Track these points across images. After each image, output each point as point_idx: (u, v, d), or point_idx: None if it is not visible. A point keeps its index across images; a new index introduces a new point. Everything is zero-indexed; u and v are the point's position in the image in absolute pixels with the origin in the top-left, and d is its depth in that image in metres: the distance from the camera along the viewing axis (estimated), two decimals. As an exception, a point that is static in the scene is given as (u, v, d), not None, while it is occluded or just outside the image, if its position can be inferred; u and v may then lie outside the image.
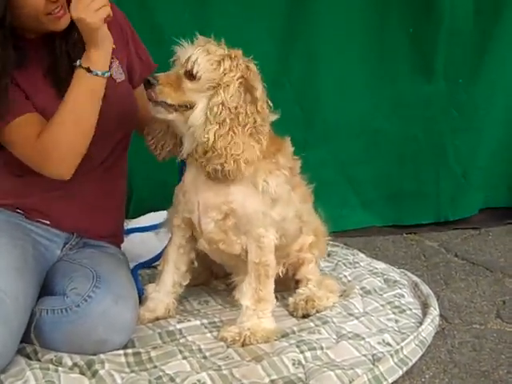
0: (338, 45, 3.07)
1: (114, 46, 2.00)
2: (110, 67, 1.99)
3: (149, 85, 1.85)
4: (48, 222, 2.02)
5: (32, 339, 1.87)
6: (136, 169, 2.94)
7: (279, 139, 2.04)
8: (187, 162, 2.00)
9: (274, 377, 1.76)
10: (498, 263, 2.78)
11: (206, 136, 1.83)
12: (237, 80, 1.85)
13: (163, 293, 2.09)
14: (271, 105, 1.96)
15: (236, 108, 1.84)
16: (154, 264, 2.41)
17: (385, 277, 2.49)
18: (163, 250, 2.19)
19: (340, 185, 3.20)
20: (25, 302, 1.79)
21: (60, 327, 1.82)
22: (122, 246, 2.30)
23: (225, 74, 1.85)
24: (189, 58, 1.85)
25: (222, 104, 1.83)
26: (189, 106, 1.87)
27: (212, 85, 1.86)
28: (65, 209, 2.01)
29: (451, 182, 3.26)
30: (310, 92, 3.13)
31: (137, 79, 2.17)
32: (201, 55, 1.85)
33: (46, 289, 1.95)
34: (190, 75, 1.86)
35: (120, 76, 2.07)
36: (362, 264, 2.63)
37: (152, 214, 2.80)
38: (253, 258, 1.99)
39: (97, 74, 1.84)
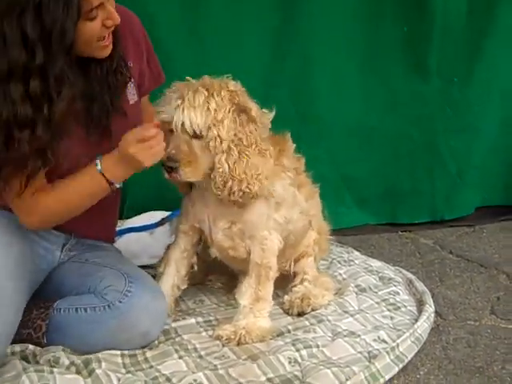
0: (332, 44, 3.08)
1: (131, 64, 2.01)
2: (126, 88, 2.00)
3: (171, 170, 1.86)
4: None
5: (40, 339, 1.88)
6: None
7: (280, 137, 2.07)
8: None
9: (271, 375, 1.77)
10: (493, 260, 2.79)
11: (219, 166, 1.86)
12: (229, 112, 1.87)
13: (163, 293, 2.09)
14: (265, 111, 1.98)
15: (235, 135, 1.87)
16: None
17: (380, 274, 2.50)
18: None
19: (335, 183, 3.20)
20: (19, 301, 1.79)
21: (103, 324, 1.84)
22: (117, 245, 2.31)
23: (217, 113, 1.86)
24: (182, 124, 1.85)
25: (219, 137, 1.85)
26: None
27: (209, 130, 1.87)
28: None
29: (446, 180, 3.27)
30: (304, 91, 3.13)
31: (144, 90, 2.16)
32: (191, 114, 1.84)
33: (55, 290, 1.97)
34: (195, 135, 1.87)
35: (133, 97, 2.06)
36: (356, 262, 2.63)
37: (146, 214, 2.80)
38: (255, 259, 2.02)
39: (115, 187, 1.87)
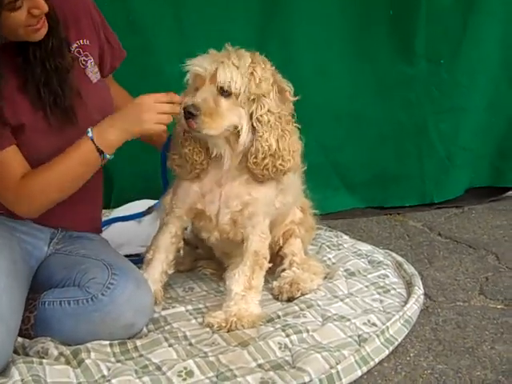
0: (317, 28, 3.06)
1: (87, 42, 2.00)
2: (85, 66, 1.99)
3: (191, 115, 1.84)
4: (31, 220, 2.00)
5: (29, 331, 1.87)
6: (116, 159, 2.91)
7: None
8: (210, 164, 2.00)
9: (261, 361, 1.77)
10: (482, 240, 2.80)
11: (266, 144, 1.89)
12: (272, 86, 1.91)
13: (151, 281, 2.08)
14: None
15: (279, 112, 1.91)
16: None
17: (369, 258, 2.51)
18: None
19: (323, 168, 3.20)
20: (18, 300, 1.78)
21: (86, 317, 1.83)
22: (105, 234, 2.29)
23: (261, 83, 1.88)
24: (220, 76, 1.85)
25: (269, 111, 1.88)
26: (231, 129, 1.90)
27: (251, 97, 1.88)
28: (49, 210, 1.97)
29: (435, 163, 3.27)
30: (289, 76, 3.06)
31: (107, 68, 2.14)
32: (233, 72, 1.85)
33: (42, 284, 1.96)
34: (226, 93, 1.86)
35: (96, 76, 2.04)
36: (345, 246, 2.64)
37: (133, 203, 2.79)
38: (253, 248, 2.03)
39: (105, 158, 1.86)
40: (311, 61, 3.09)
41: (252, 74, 1.88)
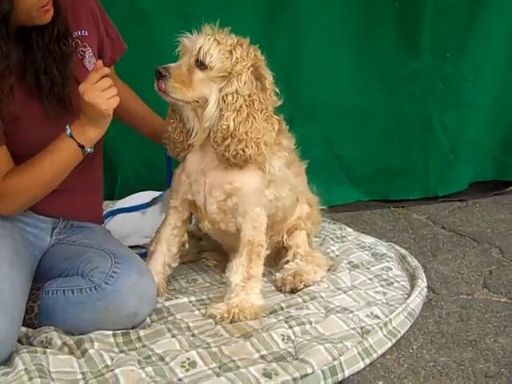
0: (322, 22, 3.05)
1: (85, 33, 2.00)
2: (83, 57, 2.00)
3: (160, 75, 1.87)
4: (32, 211, 2.01)
5: (32, 321, 1.88)
6: (121, 150, 2.93)
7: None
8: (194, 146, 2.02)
9: (264, 352, 1.77)
10: (485, 234, 2.79)
11: (225, 124, 1.88)
12: (248, 69, 1.90)
13: (153, 272, 2.08)
14: (278, 92, 2.00)
15: (250, 95, 1.89)
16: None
17: (372, 250, 2.50)
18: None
19: (327, 161, 3.20)
20: (21, 289, 1.79)
21: (90, 306, 1.83)
22: (109, 226, 2.30)
23: (237, 63, 1.89)
24: (200, 47, 1.88)
25: (237, 92, 1.88)
26: (200, 102, 1.90)
27: (224, 74, 1.90)
28: (49, 200, 1.98)
29: (440, 157, 3.26)
30: (295, 70, 3.11)
31: (107, 61, 2.13)
32: (212, 45, 1.88)
33: (45, 274, 1.96)
34: (201, 65, 1.89)
35: (93, 66, 2.03)
36: (349, 238, 2.64)
37: (138, 194, 2.79)
38: (247, 237, 2.02)
39: (86, 152, 1.86)
40: (316, 55, 3.09)
41: (231, 52, 1.89)
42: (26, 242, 1.95)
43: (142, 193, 2.79)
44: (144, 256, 2.19)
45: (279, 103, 2.01)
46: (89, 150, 1.86)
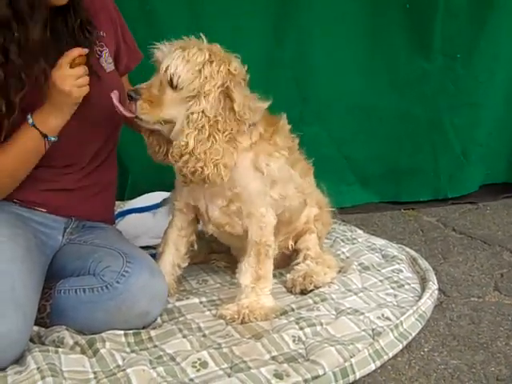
0: (333, 22, 3.05)
1: (103, 34, 2.01)
2: (100, 56, 2.01)
3: (131, 98, 1.85)
4: (45, 210, 2.02)
5: (45, 320, 1.89)
6: (131, 151, 2.93)
7: (275, 118, 2.06)
8: None
9: (275, 353, 1.77)
10: (496, 237, 2.79)
11: (184, 140, 1.83)
12: (217, 89, 1.84)
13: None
14: (259, 97, 1.97)
15: (215, 116, 1.84)
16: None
17: (383, 252, 2.50)
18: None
19: (337, 162, 3.20)
20: (34, 289, 1.79)
21: (102, 305, 1.84)
22: (120, 226, 2.30)
23: (205, 83, 1.84)
24: (167, 67, 1.84)
25: (202, 112, 1.83)
26: (172, 122, 1.88)
27: (192, 94, 1.85)
28: (62, 200, 2.00)
29: (450, 159, 3.25)
30: (305, 69, 3.11)
31: (122, 68, 2.17)
32: (180, 65, 1.83)
33: (57, 273, 1.97)
34: (172, 83, 1.85)
35: (110, 66, 2.07)
36: (360, 240, 2.63)
37: (148, 194, 2.80)
38: (253, 238, 2.02)
39: (50, 140, 1.85)
40: (327, 55, 3.09)
41: (200, 71, 1.84)
42: (39, 242, 1.96)
43: (152, 193, 2.80)
44: (154, 257, 2.19)
45: (268, 103, 1.98)
46: (52, 138, 1.85)
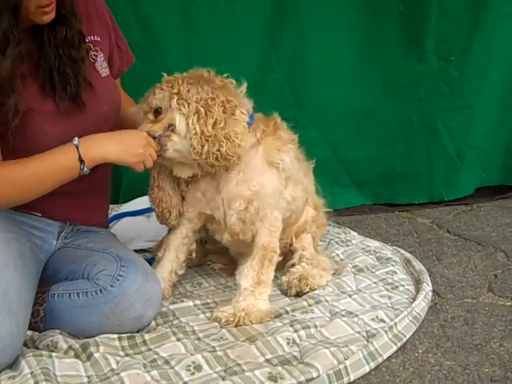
0: (327, 24, 3.06)
1: (98, 39, 2.02)
2: (95, 60, 2.02)
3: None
4: (39, 214, 2.02)
5: (38, 324, 1.88)
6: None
7: (270, 118, 2.09)
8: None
9: (269, 356, 1.77)
10: (490, 238, 2.79)
11: (192, 128, 1.88)
12: (182, 83, 1.93)
13: (159, 278, 2.08)
14: (232, 81, 2.00)
15: (199, 97, 1.90)
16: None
17: (377, 254, 2.50)
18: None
19: (331, 164, 3.20)
20: (27, 293, 1.79)
21: (96, 309, 1.83)
22: (114, 229, 2.30)
23: (171, 88, 1.93)
24: (145, 107, 1.98)
25: (183, 100, 1.90)
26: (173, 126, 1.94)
27: (168, 100, 1.93)
28: (56, 204, 1.99)
29: (445, 161, 3.25)
30: (299, 72, 3.12)
31: (115, 71, 2.17)
32: (149, 98, 1.97)
33: (51, 277, 1.97)
34: (158, 112, 1.96)
35: (105, 71, 2.07)
36: (354, 242, 2.64)
37: (143, 197, 2.79)
38: (262, 242, 2.03)
39: (82, 170, 1.84)
40: (321, 58, 3.09)
41: (162, 88, 1.94)
42: (33, 246, 1.95)
43: (146, 197, 2.77)
44: (152, 261, 2.19)
45: (245, 85, 2.01)
46: (86, 169, 1.84)
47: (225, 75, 1.99)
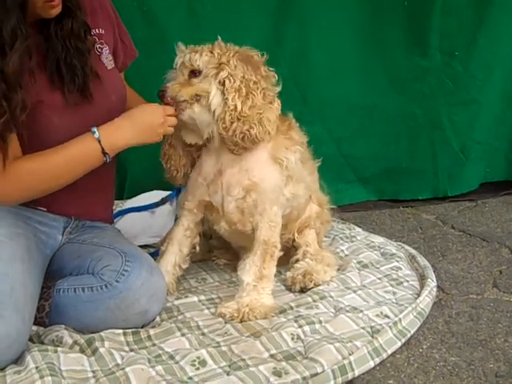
0: (332, 20, 3.05)
1: (103, 32, 2.04)
2: (101, 53, 2.03)
3: (162, 93, 1.97)
4: (45, 209, 2.02)
5: (43, 319, 1.89)
6: (130, 150, 2.92)
7: (285, 118, 2.12)
8: (205, 151, 2.09)
9: (274, 351, 1.77)
10: (495, 234, 2.79)
11: (231, 104, 1.92)
12: (233, 56, 1.97)
13: (163, 272, 2.09)
14: (273, 70, 2.05)
15: (244, 76, 1.95)
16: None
17: (382, 250, 2.50)
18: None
19: (336, 160, 3.19)
20: (33, 288, 1.80)
21: (101, 304, 1.84)
22: (119, 225, 2.31)
23: (221, 56, 1.97)
24: (183, 62, 1.98)
25: (231, 75, 1.94)
26: (203, 96, 1.97)
27: (214, 68, 1.96)
28: (62, 199, 2.00)
29: (449, 157, 3.24)
30: (304, 68, 3.11)
31: (119, 65, 2.17)
32: (192, 55, 1.97)
33: (56, 272, 1.97)
34: (194, 73, 1.98)
35: (110, 63, 2.08)
36: (358, 238, 2.64)
37: (147, 193, 2.80)
38: (262, 237, 2.04)
39: (105, 159, 1.88)
40: (325, 54, 3.08)
41: (211, 51, 1.98)
42: (38, 241, 1.96)
43: (151, 192, 2.80)
44: (156, 255, 2.20)
45: (278, 89, 2.05)
46: (108, 159, 1.89)
47: (271, 69, 2.05)
